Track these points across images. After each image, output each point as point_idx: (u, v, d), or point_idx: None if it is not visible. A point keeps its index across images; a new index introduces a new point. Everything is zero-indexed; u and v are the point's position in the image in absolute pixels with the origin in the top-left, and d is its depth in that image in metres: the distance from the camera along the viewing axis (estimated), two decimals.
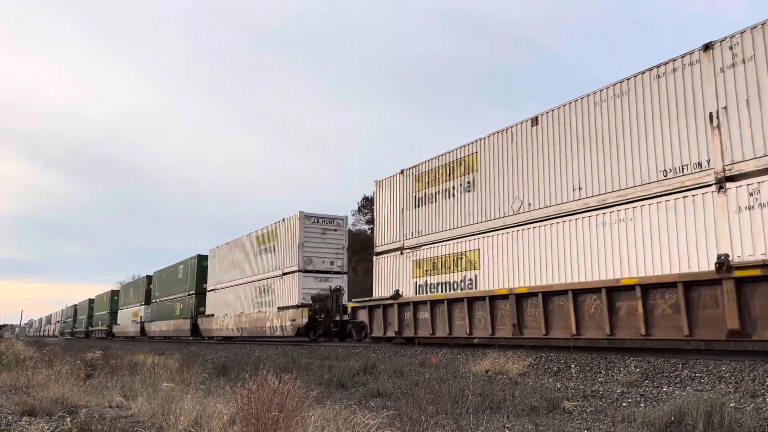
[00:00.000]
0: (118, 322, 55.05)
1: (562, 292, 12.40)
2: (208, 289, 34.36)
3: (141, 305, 47.42)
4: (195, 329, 34.81)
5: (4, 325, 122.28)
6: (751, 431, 5.43)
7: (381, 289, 18.68)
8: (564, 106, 13.17)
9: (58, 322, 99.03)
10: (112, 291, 60.34)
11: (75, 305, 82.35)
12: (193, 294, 35.79)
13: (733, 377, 8.12)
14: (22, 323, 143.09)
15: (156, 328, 42.50)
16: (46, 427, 5.54)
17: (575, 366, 10.23)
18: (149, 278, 46.97)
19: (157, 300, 42.98)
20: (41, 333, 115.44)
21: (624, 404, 7.20)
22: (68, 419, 5.68)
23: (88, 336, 67.60)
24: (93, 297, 71.01)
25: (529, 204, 13.68)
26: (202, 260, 35.95)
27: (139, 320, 46.96)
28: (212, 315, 33.01)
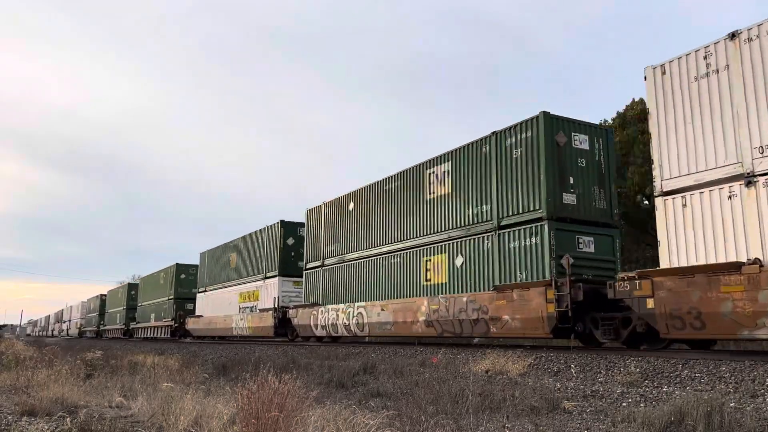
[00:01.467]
0: (197, 313, 34.42)
1: None
2: None
3: (271, 276, 26.13)
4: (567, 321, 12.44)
5: (4, 325, 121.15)
6: (751, 431, 5.43)
7: None
8: None
9: (67, 320, 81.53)
10: (177, 265, 39.30)
11: (101, 295, 62.45)
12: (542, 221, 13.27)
13: (733, 377, 8.12)
14: (23, 323, 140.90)
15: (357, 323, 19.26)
16: (46, 427, 5.54)
17: (575, 366, 10.23)
18: (288, 226, 26.09)
19: (336, 259, 21.54)
20: (48, 333, 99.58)
21: (624, 404, 7.20)
22: (68, 419, 5.68)
23: (129, 335, 49.72)
24: (135, 281, 52.63)
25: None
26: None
27: (272, 307, 25.20)
28: None
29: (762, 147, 9.72)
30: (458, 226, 15.79)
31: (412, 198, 17.74)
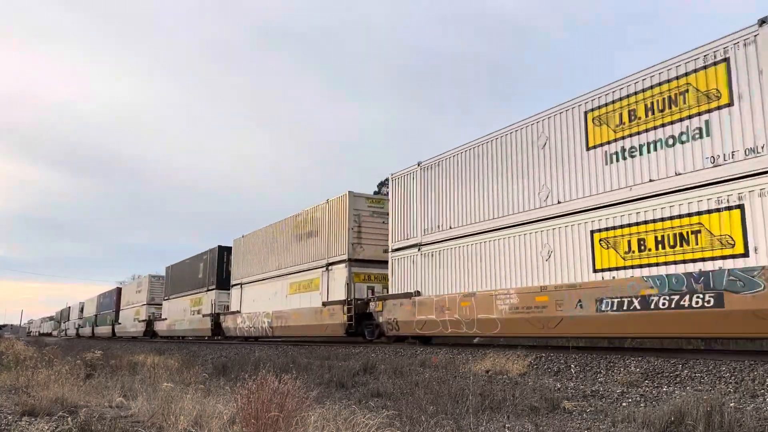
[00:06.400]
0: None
1: None
2: None
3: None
4: None
5: (4, 325, 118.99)
6: (751, 431, 5.43)
7: None
8: None
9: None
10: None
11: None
12: None
13: (733, 377, 8.12)
14: (24, 320, 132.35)
15: None
16: (46, 427, 5.53)
17: (575, 366, 10.23)
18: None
19: None
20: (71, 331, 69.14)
21: (624, 404, 7.20)
22: (68, 419, 5.68)
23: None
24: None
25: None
26: None
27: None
28: None
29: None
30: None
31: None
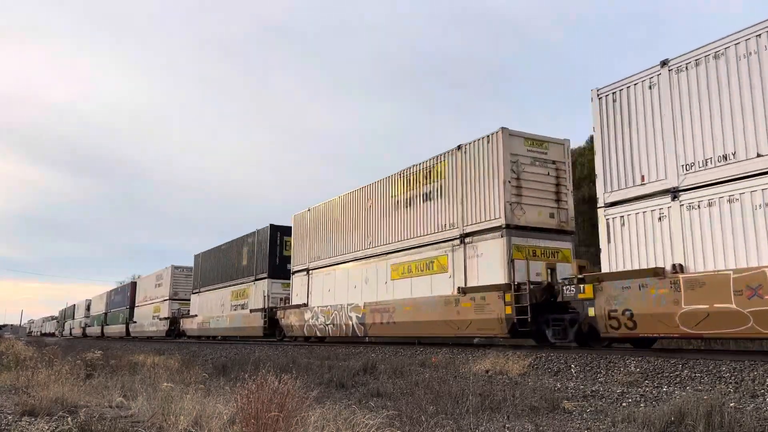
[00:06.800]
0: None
1: None
2: None
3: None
4: None
5: (4, 326, 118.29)
6: (751, 431, 5.43)
7: None
8: None
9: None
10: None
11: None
12: None
13: (733, 377, 8.12)
14: (28, 319, 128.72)
15: None
16: (46, 427, 5.53)
17: (575, 366, 10.23)
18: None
19: None
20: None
21: (624, 404, 7.21)
22: (69, 419, 5.68)
23: None
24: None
25: None
26: None
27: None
28: None
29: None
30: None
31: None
